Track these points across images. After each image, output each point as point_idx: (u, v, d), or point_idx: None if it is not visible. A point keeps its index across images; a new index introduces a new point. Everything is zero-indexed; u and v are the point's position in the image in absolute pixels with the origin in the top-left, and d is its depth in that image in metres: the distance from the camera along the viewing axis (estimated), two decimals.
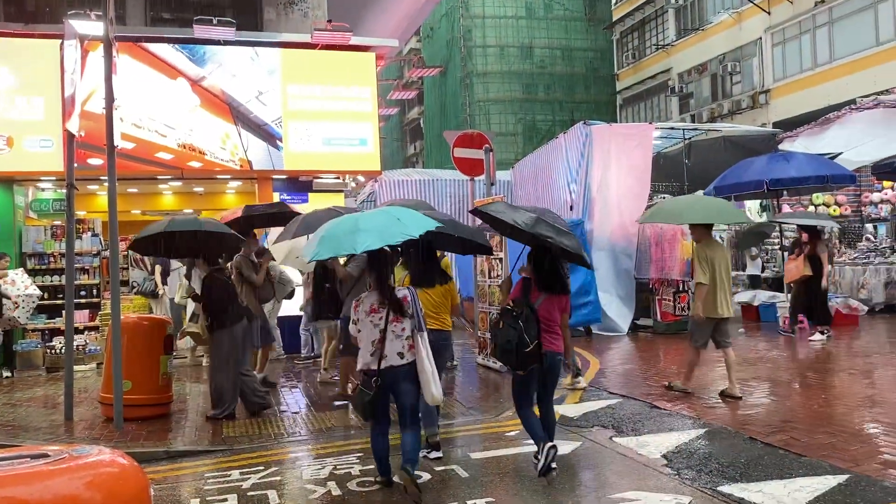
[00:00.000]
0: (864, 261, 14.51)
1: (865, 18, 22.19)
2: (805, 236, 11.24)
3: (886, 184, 16.38)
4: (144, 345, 7.41)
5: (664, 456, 5.30)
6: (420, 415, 5.14)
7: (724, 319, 7.41)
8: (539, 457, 4.84)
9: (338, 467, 5.52)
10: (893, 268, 13.82)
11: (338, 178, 12.63)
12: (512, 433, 6.23)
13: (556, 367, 5.18)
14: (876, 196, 17.03)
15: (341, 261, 7.71)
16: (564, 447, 5.67)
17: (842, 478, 4.55)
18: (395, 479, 4.88)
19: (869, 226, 17.01)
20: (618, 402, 7.25)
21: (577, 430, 6.26)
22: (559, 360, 5.20)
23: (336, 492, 4.91)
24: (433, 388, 4.72)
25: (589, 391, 7.87)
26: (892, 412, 6.34)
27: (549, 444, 4.89)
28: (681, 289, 12.64)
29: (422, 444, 5.30)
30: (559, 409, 6.98)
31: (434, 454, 5.59)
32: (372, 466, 5.35)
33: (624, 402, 7.25)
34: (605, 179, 13.29)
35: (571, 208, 13.60)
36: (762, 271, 15.65)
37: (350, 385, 7.79)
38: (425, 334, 4.85)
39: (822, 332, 10.79)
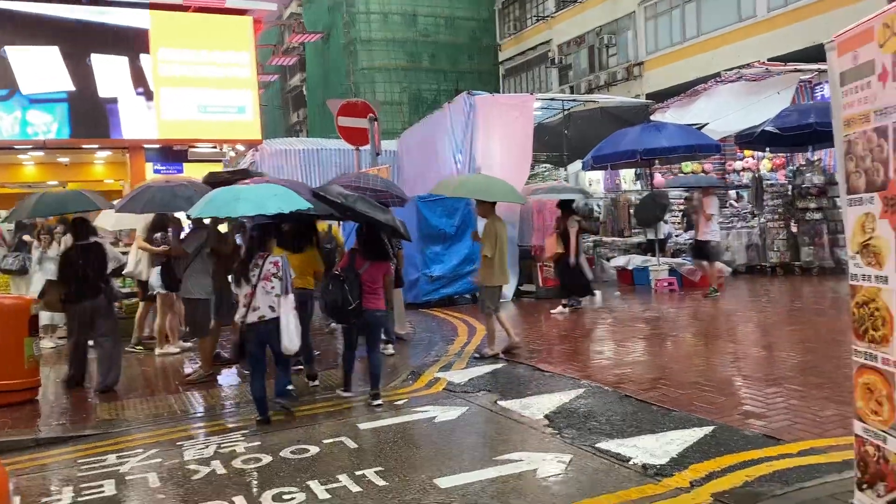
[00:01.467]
0: (728, 226, 15.52)
1: None
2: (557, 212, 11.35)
3: (748, 153, 17.49)
4: (6, 327, 6.91)
5: (546, 416, 5.50)
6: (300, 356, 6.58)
7: (498, 287, 8.11)
8: (347, 392, 6.48)
9: (222, 445, 5.38)
10: (754, 231, 14.86)
11: (215, 147, 12.16)
12: (400, 402, 6.28)
13: (376, 321, 6.35)
14: (738, 164, 18.18)
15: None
16: (451, 412, 5.79)
17: (708, 429, 4.88)
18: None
19: (732, 192, 18.15)
20: (502, 367, 7.45)
21: (463, 395, 6.39)
22: (379, 316, 6.38)
23: (221, 470, 4.79)
24: (287, 340, 5.61)
25: (475, 357, 8.03)
26: (752, 366, 6.85)
27: (374, 390, 6.25)
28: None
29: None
30: (447, 376, 7.12)
31: (312, 383, 6.98)
32: (258, 443, 5.30)
33: (508, 366, 7.46)
34: (489, 150, 13.46)
35: None
36: (667, 236, 16.31)
37: (203, 370, 7.67)
38: (291, 297, 5.73)
39: (563, 306, 11.00)
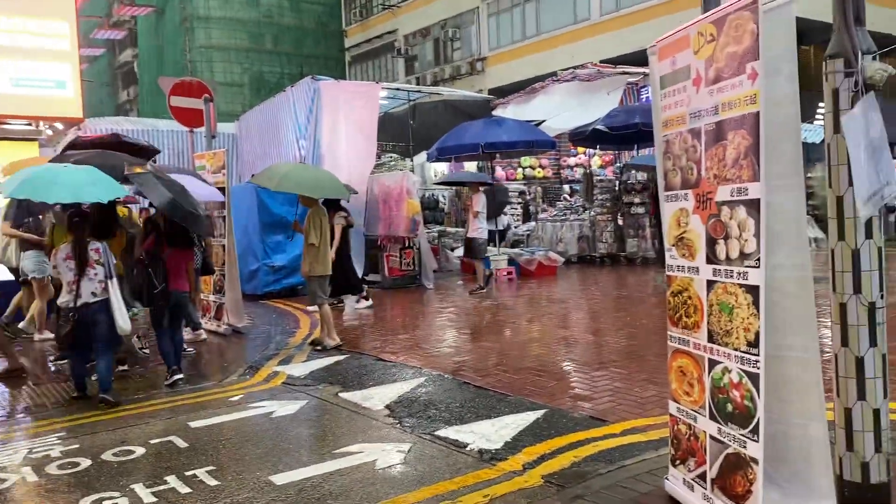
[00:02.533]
0: (562, 218, 16.34)
1: None
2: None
3: (580, 149, 18.47)
4: None
5: (387, 406, 5.51)
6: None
7: (327, 276, 8.15)
8: (168, 375, 6.51)
9: (34, 450, 4.92)
10: (585, 224, 15.74)
11: (30, 124, 11.06)
12: (236, 398, 6.04)
13: (181, 302, 6.61)
14: (572, 160, 19.16)
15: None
16: (290, 407, 5.64)
17: (540, 412, 5.09)
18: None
19: (566, 187, 19.11)
20: (345, 358, 7.38)
21: (303, 388, 6.25)
22: (184, 297, 6.67)
23: (32, 478, 4.37)
24: (120, 319, 5.82)
25: (316, 349, 7.89)
26: (582, 351, 7.24)
27: (174, 366, 6.54)
28: (407, 245, 13.16)
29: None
30: (286, 370, 6.95)
31: (120, 368, 6.90)
32: (76, 446, 4.90)
33: (351, 358, 7.39)
34: (334, 136, 13.27)
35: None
36: (507, 227, 16.83)
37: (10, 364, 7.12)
38: (115, 280, 5.90)
39: (366, 299, 10.87)
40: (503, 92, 21.61)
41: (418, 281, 13.15)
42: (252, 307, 10.75)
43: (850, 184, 2.95)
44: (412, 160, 16.74)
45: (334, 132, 13.27)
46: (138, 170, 6.38)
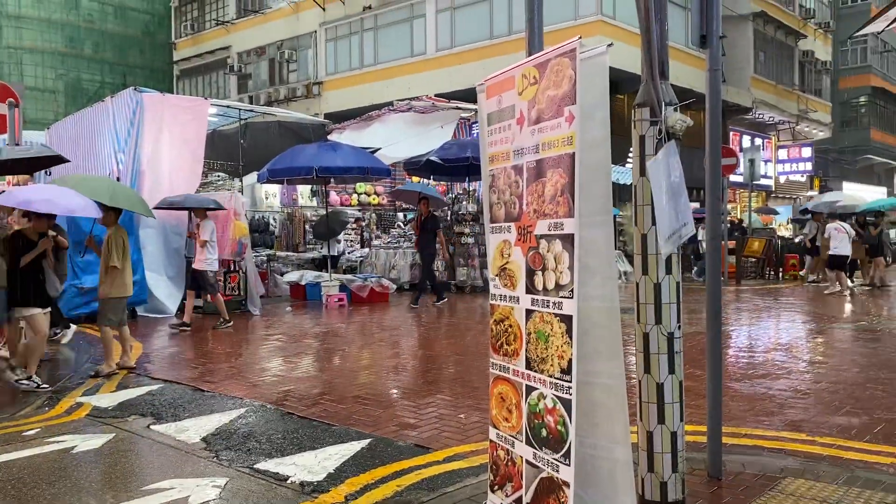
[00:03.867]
0: (395, 245, 16.49)
1: (403, 30, 25.15)
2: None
3: (415, 179, 18.78)
4: None
5: (204, 439, 5.21)
6: None
7: (124, 298, 7.81)
8: None
9: None
10: (417, 252, 15.97)
11: None
12: (31, 432, 5.46)
13: None
14: None
15: None
16: (94, 441, 5.19)
17: (365, 442, 5.03)
18: None
19: (400, 214, 19.34)
20: (159, 388, 6.91)
21: (111, 420, 5.78)
22: None
23: None
24: None
25: (128, 377, 7.36)
26: (410, 378, 7.28)
27: None
28: (232, 269, 12.67)
29: None
30: (92, 401, 6.41)
31: None
32: None
33: (166, 387, 6.94)
34: (156, 152, 12.58)
35: (119, 180, 12.55)
36: (341, 253, 16.63)
37: None
38: None
39: (55, 332, 9.38)
40: (339, 117, 21.56)
41: (244, 307, 12.67)
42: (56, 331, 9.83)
43: (654, 223, 3.20)
44: (241, 180, 16.19)
45: (157, 147, 12.59)
46: None
